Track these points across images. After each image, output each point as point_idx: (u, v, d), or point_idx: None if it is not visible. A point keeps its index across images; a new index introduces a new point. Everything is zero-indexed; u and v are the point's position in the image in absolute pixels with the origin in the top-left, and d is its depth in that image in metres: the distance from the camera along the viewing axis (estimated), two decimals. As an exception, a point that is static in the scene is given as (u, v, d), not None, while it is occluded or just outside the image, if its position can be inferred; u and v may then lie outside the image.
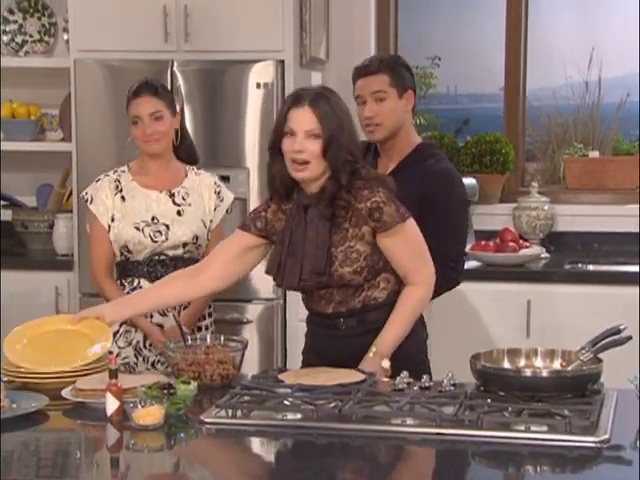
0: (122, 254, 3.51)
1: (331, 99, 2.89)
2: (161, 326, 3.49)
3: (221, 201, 3.57)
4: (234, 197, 3.64)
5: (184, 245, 3.49)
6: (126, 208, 3.50)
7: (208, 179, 3.59)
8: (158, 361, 3.49)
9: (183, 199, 3.53)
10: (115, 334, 3.51)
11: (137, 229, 3.48)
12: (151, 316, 3.49)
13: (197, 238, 3.50)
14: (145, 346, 3.51)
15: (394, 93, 3.34)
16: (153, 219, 3.49)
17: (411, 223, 2.92)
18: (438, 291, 3.13)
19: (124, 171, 3.57)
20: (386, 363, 2.82)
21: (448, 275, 3.24)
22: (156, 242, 3.47)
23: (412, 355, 3.02)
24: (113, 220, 3.50)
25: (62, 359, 2.88)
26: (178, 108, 3.61)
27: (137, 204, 3.50)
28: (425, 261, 2.96)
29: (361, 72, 3.39)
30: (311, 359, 3.07)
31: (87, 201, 3.54)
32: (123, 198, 3.51)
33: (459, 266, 3.32)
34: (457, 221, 3.34)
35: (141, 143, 3.50)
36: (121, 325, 3.51)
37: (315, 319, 3.04)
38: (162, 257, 3.49)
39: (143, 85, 3.51)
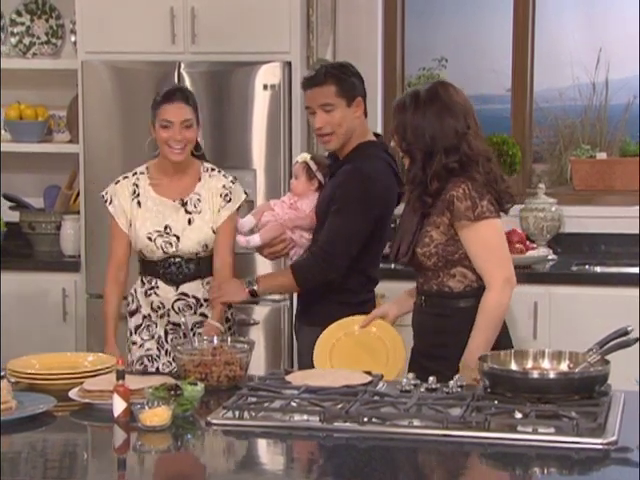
0: (140, 254, 3.61)
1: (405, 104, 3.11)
2: (178, 325, 3.52)
3: (228, 202, 3.56)
4: (244, 199, 3.64)
5: (197, 252, 3.55)
6: (141, 215, 3.54)
7: (219, 182, 3.58)
8: None
9: (195, 207, 3.55)
10: (138, 327, 3.59)
11: (149, 239, 3.53)
12: (168, 315, 3.55)
13: (207, 246, 3.54)
14: (167, 340, 3.57)
15: (342, 103, 3.42)
16: (166, 228, 3.53)
17: (488, 224, 3.03)
18: (308, 278, 3.41)
19: (142, 173, 3.59)
20: (474, 373, 2.77)
21: (314, 265, 3.41)
22: (167, 253, 3.53)
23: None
24: (131, 225, 3.56)
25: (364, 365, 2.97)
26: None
27: (151, 212, 3.54)
28: (500, 265, 3.04)
29: (309, 83, 3.47)
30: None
31: (106, 201, 3.60)
32: (139, 204, 3.55)
33: (333, 260, 3.39)
34: (341, 219, 3.39)
35: (165, 148, 3.49)
36: (144, 319, 3.59)
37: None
38: (177, 259, 3.54)
39: (177, 91, 3.55)
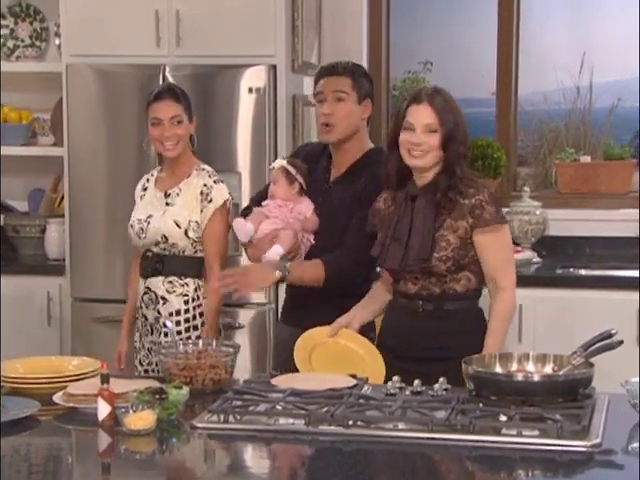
0: None
1: (447, 97, 3.12)
2: (145, 317, 3.66)
3: (209, 202, 3.59)
4: (226, 199, 3.64)
5: (157, 243, 3.61)
6: (137, 206, 3.70)
7: (201, 180, 3.62)
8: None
9: (173, 200, 3.62)
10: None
11: (131, 227, 3.67)
12: (141, 307, 3.66)
13: (167, 238, 3.58)
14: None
15: (354, 97, 3.47)
16: (148, 217, 3.62)
17: (507, 228, 3.14)
18: (338, 275, 3.34)
19: (159, 167, 3.78)
20: None
21: (345, 264, 3.36)
22: (140, 239, 3.64)
23: None
24: None
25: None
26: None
27: (144, 203, 3.68)
28: (512, 269, 3.14)
29: (326, 72, 3.55)
30: (387, 341, 3.19)
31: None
32: (142, 197, 3.72)
33: (361, 264, 3.36)
34: (362, 228, 3.34)
35: (158, 145, 3.63)
36: None
37: (398, 301, 3.18)
38: (149, 253, 3.64)
39: (166, 89, 3.67)
